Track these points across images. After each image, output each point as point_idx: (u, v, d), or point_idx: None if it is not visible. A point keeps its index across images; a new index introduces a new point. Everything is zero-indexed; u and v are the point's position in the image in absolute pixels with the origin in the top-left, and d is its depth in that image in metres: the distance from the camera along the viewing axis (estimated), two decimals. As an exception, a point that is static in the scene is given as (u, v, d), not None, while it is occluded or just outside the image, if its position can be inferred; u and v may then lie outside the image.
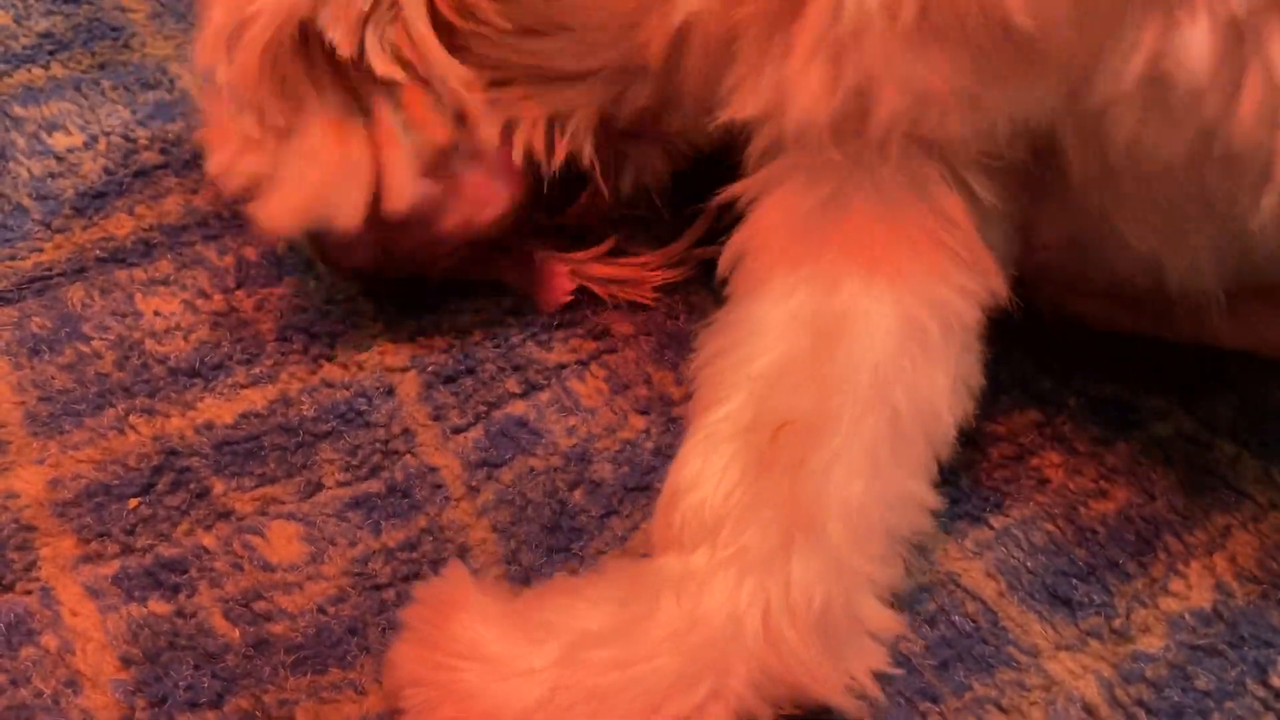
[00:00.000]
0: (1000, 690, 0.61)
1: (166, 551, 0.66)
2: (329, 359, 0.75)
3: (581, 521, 0.67)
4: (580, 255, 0.77)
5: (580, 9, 0.66)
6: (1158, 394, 0.72)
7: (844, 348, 0.59)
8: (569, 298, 0.76)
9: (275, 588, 0.64)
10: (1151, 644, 0.62)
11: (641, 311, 0.77)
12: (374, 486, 0.69)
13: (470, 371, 0.74)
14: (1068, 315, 0.72)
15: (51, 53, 0.95)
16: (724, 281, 0.65)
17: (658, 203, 0.76)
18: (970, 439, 0.68)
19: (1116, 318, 0.71)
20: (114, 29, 0.96)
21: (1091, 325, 0.72)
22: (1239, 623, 0.63)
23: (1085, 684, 0.61)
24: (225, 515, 0.67)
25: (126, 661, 0.62)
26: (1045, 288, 0.68)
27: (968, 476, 0.68)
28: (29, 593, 0.64)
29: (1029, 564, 0.65)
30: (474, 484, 0.69)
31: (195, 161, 0.85)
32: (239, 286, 0.78)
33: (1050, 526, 0.67)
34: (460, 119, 0.69)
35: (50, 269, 0.79)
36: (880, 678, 0.60)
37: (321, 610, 0.63)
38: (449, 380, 0.74)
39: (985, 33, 0.52)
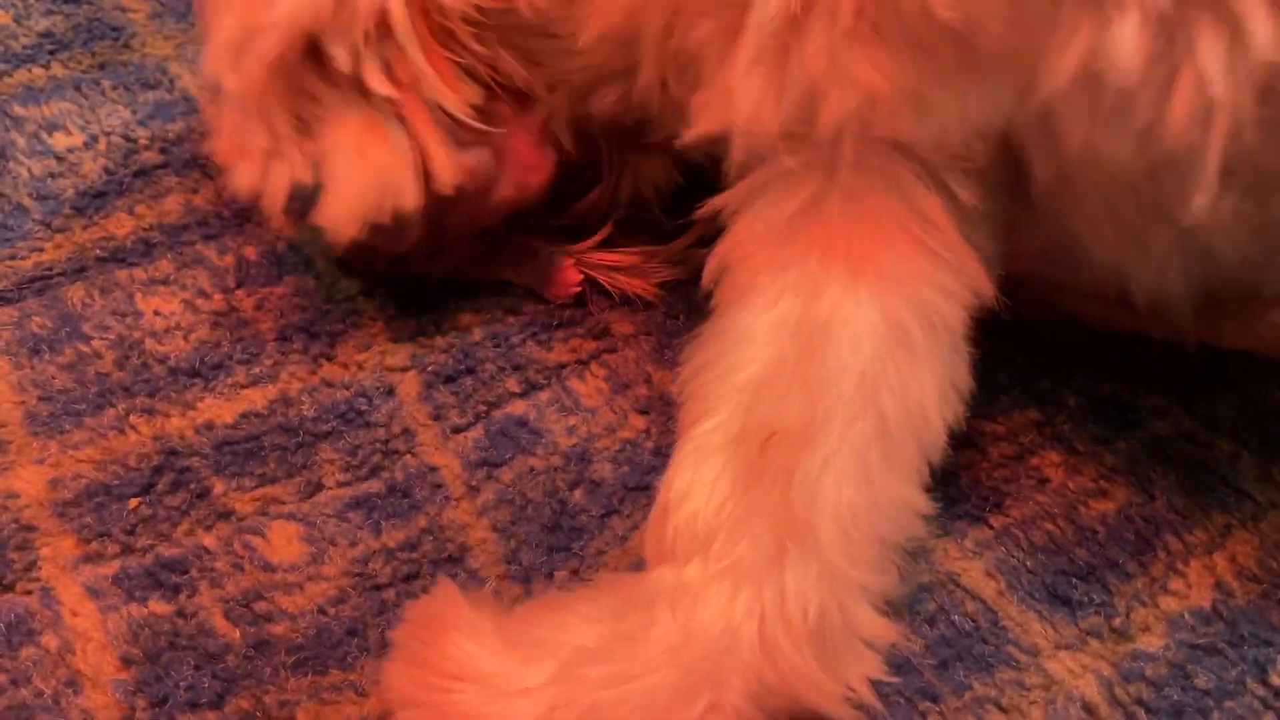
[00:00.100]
0: (1000, 690, 0.61)
1: (167, 551, 0.66)
2: (329, 359, 0.75)
3: (582, 521, 0.67)
4: (580, 245, 0.77)
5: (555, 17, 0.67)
6: (1157, 393, 0.72)
7: (829, 354, 0.59)
8: (577, 289, 0.76)
9: (276, 588, 0.64)
10: (1151, 643, 0.62)
11: (642, 311, 0.77)
12: (374, 486, 0.69)
13: (470, 371, 0.74)
14: (1062, 315, 0.72)
15: (52, 52, 0.95)
16: (709, 294, 0.65)
17: (657, 214, 0.77)
18: (970, 439, 0.69)
19: (1115, 317, 0.71)
20: (114, 29, 0.97)
21: (1091, 325, 0.72)
22: (1239, 622, 0.63)
23: (1085, 683, 0.61)
24: (225, 515, 0.67)
25: (127, 661, 0.62)
26: (1036, 288, 0.68)
27: (967, 476, 0.68)
28: (29, 593, 0.64)
29: (1029, 563, 0.65)
30: (474, 484, 0.69)
31: (195, 161, 0.86)
32: (239, 286, 0.78)
33: (1050, 526, 0.67)
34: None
35: (50, 269, 0.80)
36: (879, 679, 0.60)
37: (322, 611, 0.63)
38: (449, 380, 0.74)
39: (925, 31, 0.52)
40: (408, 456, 0.70)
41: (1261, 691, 0.61)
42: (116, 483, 0.69)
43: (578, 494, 0.69)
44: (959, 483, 0.68)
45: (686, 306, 0.77)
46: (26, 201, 0.84)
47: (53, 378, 0.74)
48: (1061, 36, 0.50)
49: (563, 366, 0.74)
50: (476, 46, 0.68)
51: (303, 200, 0.70)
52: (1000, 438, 0.70)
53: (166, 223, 0.82)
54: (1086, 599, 0.64)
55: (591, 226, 0.77)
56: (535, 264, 0.77)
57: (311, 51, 0.67)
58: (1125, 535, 0.66)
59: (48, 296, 0.78)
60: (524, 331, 0.76)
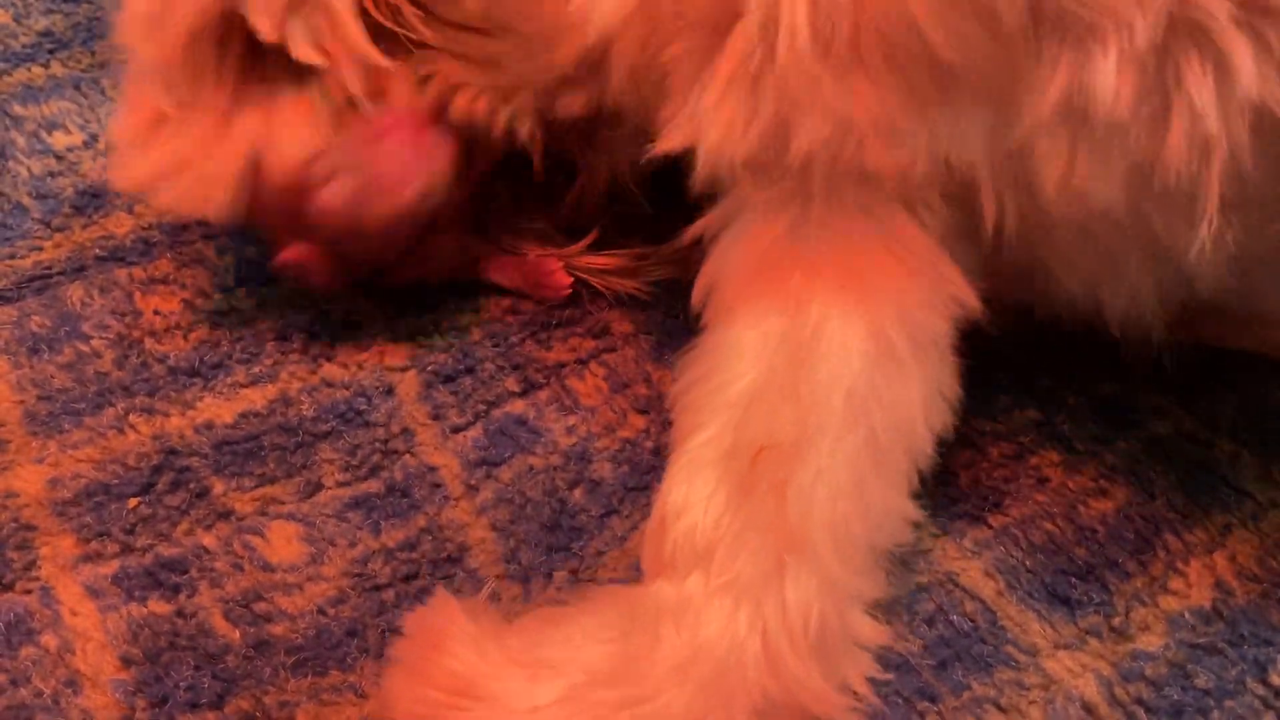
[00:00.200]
0: (999, 689, 0.61)
1: (166, 551, 0.66)
2: (329, 359, 0.75)
3: (581, 521, 0.67)
4: (570, 249, 0.77)
5: (515, 16, 0.66)
6: (1157, 393, 0.72)
7: (817, 369, 0.60)
8: (568, 291, 0.76)
9: (275, 588, 0.64)
10: (1151, 642, 0.62)
11: (641, 310, 0.77)
12: (373, 486, 0.69)
13: (469, 371, 0.74)
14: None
15: (51, 51, 0.95)
16: (699, 314, 0.65)
17: (638, 195, 0.75)
18: (969, 438, 0.69)
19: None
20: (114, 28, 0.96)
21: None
22: (1239, 621, 0.63)
23: (1084, 683, 0.61)
24: (225, 515, 0.67)
25: (126, 661, 0.62)
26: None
27: (967, 475, 0.68)
28: (29, 592, 0.64)
29: (1028, 563, 0.65)
30: (473, 483, 0.69)
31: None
32: (239, 285, 0.78)
33: (1049, 525, 0.67)
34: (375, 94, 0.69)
35: (50, 268, 0.80)
36: (878, 679, 0.60)
37: (321, 611, 0.63)
38: (448, 380, 0.74)
39: (909, 62, 0.52)
40: (407, 456, 0.70)
41: (1261, 691, 0.61)
42: (116, 482, 0.69)
43: (577, 493, 0.69)
44: (958, 482, 0.68)
45: (686, 306, 0.76)
46: (26, 200, 0.84)
47: (52, 377, 0.74)
48: (1042, 71, 0.50)
49: (562, 366, 0.74)
50: (424, 30, 0.67)
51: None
52: (1000, 437, 0.70)
53: (166, 222, 0.82)
54: (1086, 598, 0.64)
55: (583, 226, 0.77)
56: (522, 268, 0.77)
57: (224, 27, 0.67)
58: (1125, 534, 0.66)
59: (47, 295, 0.78)
60: (523, 331, 0.76)
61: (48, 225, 0.82)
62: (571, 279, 0.76)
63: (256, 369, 0.74)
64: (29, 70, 0.93)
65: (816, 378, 0.59)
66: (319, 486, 0.69)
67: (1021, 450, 0.70)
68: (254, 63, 0.68)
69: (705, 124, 0.56)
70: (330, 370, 0.74)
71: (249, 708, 0.60)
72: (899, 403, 0.60)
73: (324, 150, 0.69)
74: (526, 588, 0.65)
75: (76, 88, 0.91)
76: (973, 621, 0.63)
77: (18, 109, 0.90)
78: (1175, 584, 0.65)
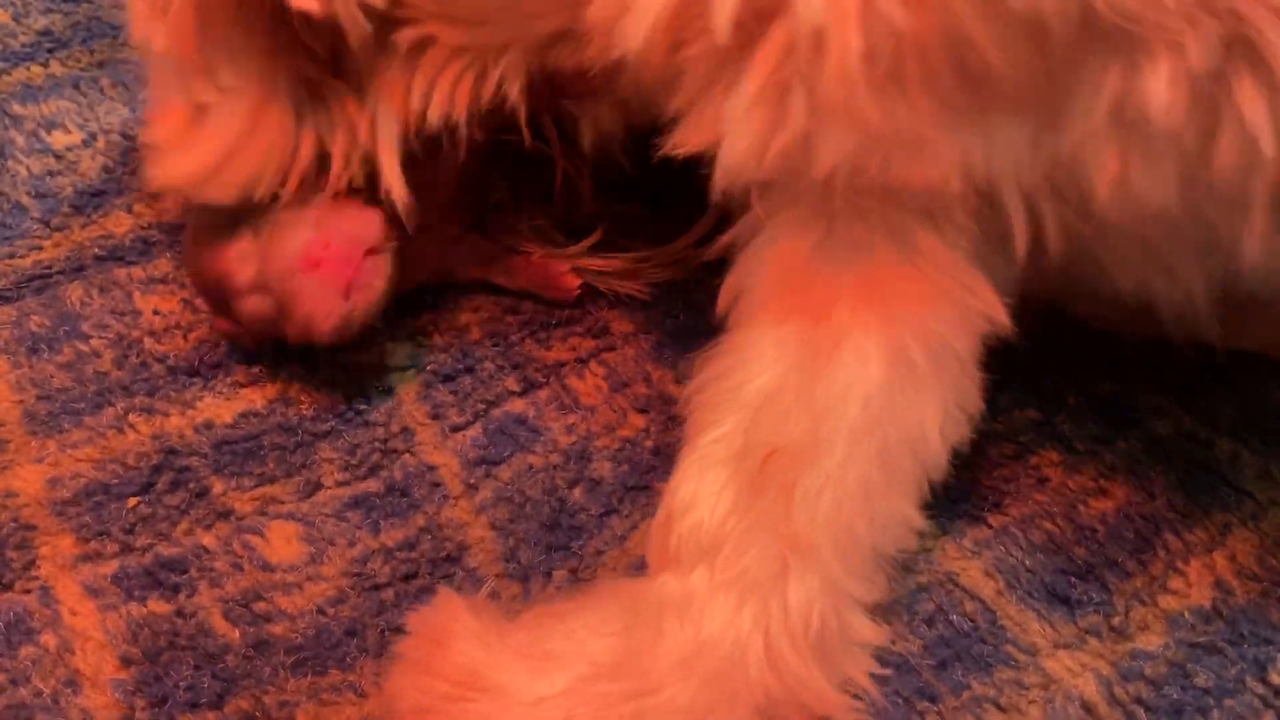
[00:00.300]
0: (999, 689, 0.61)
1: (166, 551, 0.66)
2: (329, 358, 0.74)
3: (581, 520, 0.67)
4: (573, 249, 0.77)
5: None
6: (1157, 393, 0.72)
7: (835, 377, 0.60)
8: (577, 293, 0.76)
9: (275, 588, 0.64)
10: (1151, 642, 0.62)
11: (640, 310, 0.77)
12: (373, 485, 0.69)
13: (469, 370, 0.74)
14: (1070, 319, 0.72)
15: (50, 51, 0.95)
16: (712, 301, 0.65)
17: (623, 161, 0.73)
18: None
19: (1124, 321, 0.71)
20: (113, 27, 0.96)
21: (1093, 325, 0.72)
22: (1238, 620, 0.63)
23: (1084, 682, 0.61)
24: (225, 515, 0.67)
25: (126, 661, 0.62)
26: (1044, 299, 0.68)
27: (966, 475, 0.68)
28: (28, 592, 0.64)
29: (1028, 562, 0.65)
30: (472, 482, 0.69)
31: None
32: (238, 285, 0.78)
33: (1049, 525, 0.67)
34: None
35: (49, 267, 0.79)
36: (877, 679, 0.60)
37: (321, 611, 0.63)
38: (448, 379, 0.74)
39: (946, 75, 0.51)
40: (406, 455, 0.70)
41: (1261, 690, 0.61)
42: (115, 482, 0.69)
43: (577, 492, 0.68)
44: (958, 482, 0.68)
45: (686, 305, 0.76)
46: (25, 200, 0.83)
47: (51, 377, 0.74)
48: (1089, 82, 0.50)
49: (561, 365, 0.74)
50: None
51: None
52: (999, 436, 0.70)
53: (165, 221, 0.82)
54: (1085, 598, 0.64)
55: (583, 223, 0.77)
56: (530, 269, 0.77)
57: None
58: (1124, 534, 0.66)
59: (46, 295, 0.78)
60: (523, 330, 0.76)
61: (47, 225, 0.82)
62: (580, 280, 0.76)
63: (256, 368, 0.74)
64: (28, 69, 0.93)
65: (833, 386, 0.59)
66: (318, 486, 0.69)
67: (1021, 450, 0.70)
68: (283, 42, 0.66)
69: (729, 131, 0.55)
70: (330, 370, 0.74)
71: (249, 707, 0.60)
72: (914, 415, 0.60)
73: (250, 257, 0.69)
74: (526, 586, 0.65)
75: (76, 87, 0.91)
76: (972, 621, 0.63)
77: (17, 108, 0.90)
78: (1175, 583, 0.65)
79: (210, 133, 0.68)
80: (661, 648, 0.57)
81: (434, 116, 0.67)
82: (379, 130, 0.67)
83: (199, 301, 0.77)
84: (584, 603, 0.60)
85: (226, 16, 0.65)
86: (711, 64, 0.55)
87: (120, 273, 0.79)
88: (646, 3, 0.54)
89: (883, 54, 0.50)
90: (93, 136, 0.87)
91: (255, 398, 0.73)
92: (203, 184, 0.68)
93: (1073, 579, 0.65)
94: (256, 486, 0.69)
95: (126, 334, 0.76)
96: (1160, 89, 0.49)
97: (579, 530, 0.67)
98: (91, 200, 0.83)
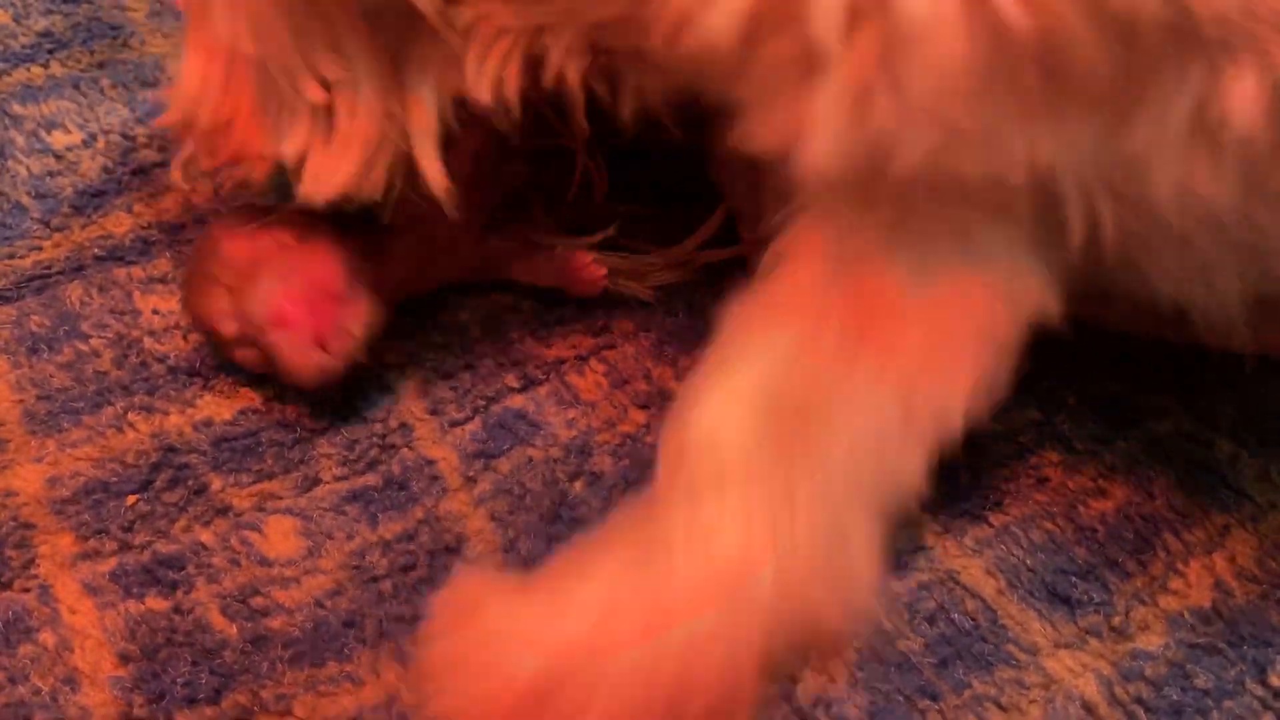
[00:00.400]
0: (999, 688, 0.61)
1: (164, 548, 0.66)
2: (328, 357, 0.74)
3: (582, 512, 0.67)
4: (588, 240, 0.76)
5: None
6: (1157, 393, 0.72)
7: (869, 339, 0.60)
8: (604, 283, 0.76)
9: (272, 583, 0.64)
10: (1151, 642, 0.62)
11: (641, 308, 0.77)
12: (371, 480, 0.69)
13: (469, 367, 0.74)
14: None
15: (51, 51, 0.95)
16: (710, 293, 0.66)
17: (670, 127, 0.69)
18: (969, 437, 0.68)
19: (1125, 322, 0.71)
20: (113, 28, 0.97)
21: (1092, 326, 0.72)
22: (1238, 621, 0.63)
23: (1084, 682, 0.61)
24: (223, 511, 0.67)
25: (124, 658, 0.62)
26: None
27: (967, 474, 0.68)
28: (27, 590, 0.64)
29: (1028, 562, 0.65)
30: (471, 474, 0.69)
31: (193, 159, 0.85)
32: (238, 284, 0.78)
33: (1050, 524, 0.67)
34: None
35: (49, 267, 0.79)
36: (879, 676, 0.60)
37: (319, 604, 0.63)
38: (447, 376, 0.74)
39: (1034, 73, 0.51)
40: (405, 450, 0.70)
41: (1260, 692, 0.61)
42: (114, 480, 0.69)
43: (578, 485, 0.68)
44: (959, 480, 0.68)
45: (686, 304, 0.77)
46: (25, 200, 0.83)
47: (51, 376, 0.74)
48: (1168, 84, 0.50)
49: (561, 362, 0.74)
50: None
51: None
52: (1000, 436, 0.70)
53: (165, 221, 0.82)
54: (1086, 597, 0.64)
55: (598, 214, 0.77)
56: (552, 263, 0.76)
57: None
58: (1125, 534, 0.66)
59: (46, 295, 0.78)
60: (523, 328, 0.76)
61: (47, 225, 0.82)
62: (606, 270, 0.76)
63: (256, 367, 0.74)
64: (28, 70, 0.93)
65: (865, 347, 0.60)
66: (316, 481, 0.69)
67: (1021, 450, 0.70)
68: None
69: (811, 128, 0.54)
70: (329, 368, 0.74)
71: (246, 702, 0.60)
72: (944, 390, 0.60)
73: (228, 314, 0.69)
74: (526, 577, 0.64)
75: (76, 87, 0.91)
76: (973, 620, 0.63)
77: (17, 108, 0.90)
78: (1175, 584, 0.65)
79: (344, 132, 0.65)
80: (674, 580, 0.57)
81: (485, 97, 0.63)
82: (420, 115, 0.65)
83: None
84: (598, 546, 0.60)
85: (309, 6, 0.61)
86: (795, 59, 0.54)
87: (120, 272, 0.79)
88: None
89: (985, 55, 0.50)
90: (93, 137, 0.88)
91: (254, 395, 0.72)
92: (359, 186, 0.66)
93: (1073, 578, 0.65)
94: (255, 483, 0.68)
95: (126, 334, 0.76)
96: (1243, 95, 0.49)
97: (580, 523, 0.67)
98: (91, 200, 0.83)
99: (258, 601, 0.63)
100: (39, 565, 0.65)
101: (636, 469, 0.69)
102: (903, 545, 0.66)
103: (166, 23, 0.97)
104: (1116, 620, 0.63)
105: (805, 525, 0.58)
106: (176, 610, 0.63)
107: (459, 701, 0.57)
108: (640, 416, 0.72)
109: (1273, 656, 0.62)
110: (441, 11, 0.61)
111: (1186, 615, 0.63)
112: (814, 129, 0.54)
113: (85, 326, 0.76)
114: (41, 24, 0.97)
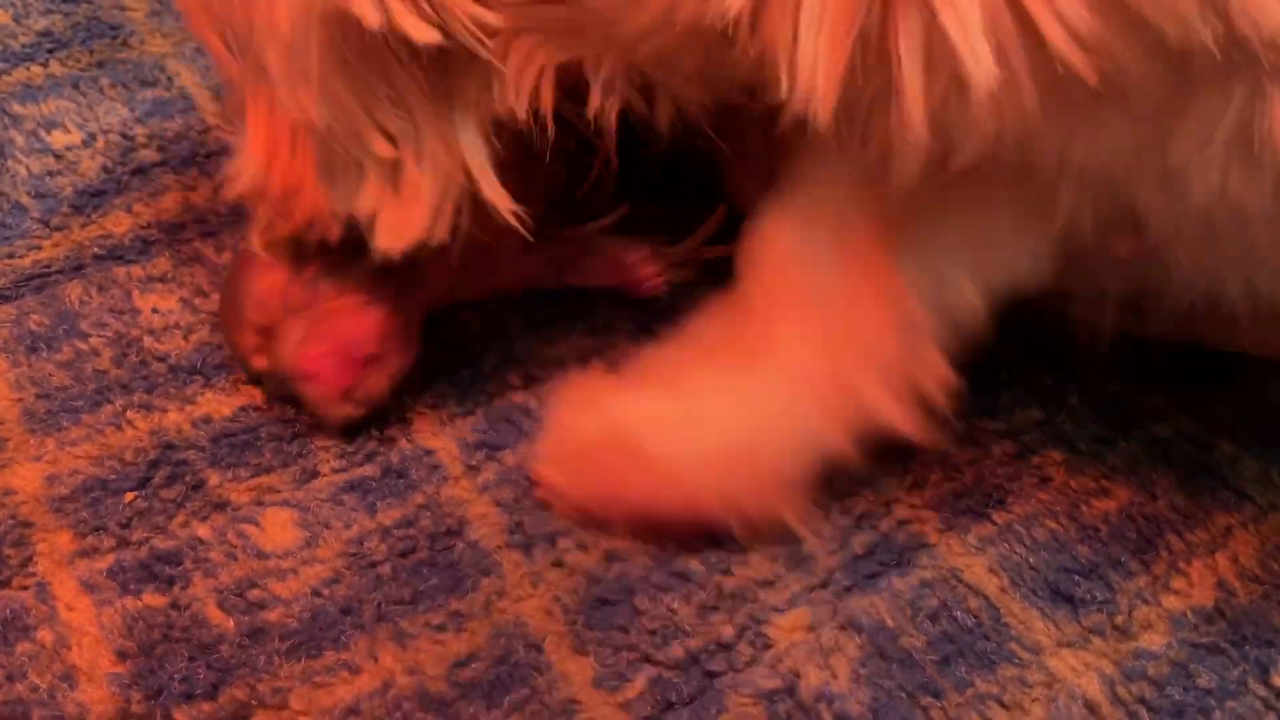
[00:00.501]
0: (1002, 687, 0.61)
1: (162, 544, 0.66)
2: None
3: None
4: (590, 226, 0.76)
5: None
6: (1158, 394, 0.72)
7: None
8: (663, 277, 0.76)
9: (269, 575, 0.64)
10: (1153, 641, 0.62)
11: (642, 307, 0.77)
12: (369, 470, 0.69)
13: (470, 365, 0.74)
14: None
15: (50, 51, 0.95)
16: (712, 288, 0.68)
17: (711, 135, 0.67)
18: (972, 436, 0.69)
19: (1126, 323, 0.71)
20: (113, 27, 0.97)
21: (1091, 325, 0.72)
22: (1241, 621, 0.63)
23: (1087, 681, 0.61)
24: (221, 506, 0.67)
25: (122, 655, 0.61)
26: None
27: (970, 473, 0.68)
28: (25, 588, 0.64)
29: (1031, 560, 0.65)
30: (473, 464, 0.69)
31: (193, 159, 0.86)
32: (237, 284, 0.78)
33: (1052, 523, 0.67)
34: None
35: (48, 266, 0.79)
36: (882, 673, 0.60)
37: (316, 593, 0.63)
38: (448, 373, 0.73)
39: (1079, 89, 0.51)
40: (403, 441, 0.70)
41: (1263, 692, 0.60)
42: (113, 477, 0.68)
43: (584, 482, 0.68)
44: (962, 478, 0.68)
45: (687, 304, 0.76)
46: (25, 200, 0.83)
47: (50, 375, 0.73)
48: (1212, 101, 0.50)
49: (564, 361, 0.74)
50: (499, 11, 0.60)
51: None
52: (1002, 435, 0.70)
53: (164, 220, 0.82)
54: (1089, 596, 0.64)
55: (603, 201, 0.76)
56: (608, 265, 0.76)
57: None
58: (1127, 534, 0.66)
59: (46, 294, 0.78)
60: (525, 327, 0.76)
61: (46, 224, 0.82)
62: (664, 268, 0.76)
63: (255, 366, 0.74)
64: (28, 70, 0.93)
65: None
66: (315, 474, 0.68)
67: (1024, 449, 0.70)
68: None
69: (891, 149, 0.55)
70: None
71: (243, 696, 0.60)
72: (1004, 255, 0.63)
73: (259, 351, 0.69)
74: (529, 555, 0.65)
75: (75, 87, 0.92)
76: (976, 618, 0.63)
77: (17, 108, 0.90)
78: (1178, 583, 0.65)
79: (413, 182, 0.63)
80: (760, 384, 0.64)
81: (521, 115, 0.62)
82: (472, 147, 0.63)
83: (199, 301, 0.77)
84: (690, 337, 0.68)
85: (367, 64, 0.59)
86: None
87: (119, 272, 0.79)
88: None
89: (1040, 87, 0.50)
90: (92, 136, 0.88)
91: (255, 393, 0.72)
92: (434, 234, 0.64)
93: (1076, 577, 0.64)
94: (253, 477, 0.68)
95: (125, 332, 0.75)
96: None
97: (588, 520, 0.67)
98: (91, 200, 0.83)
99: (255, 594, 0.63)
100: (37, 563, 0.65)
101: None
102: (905, 542, 0.66)
103: (166, 22, 0.97)
104: (1119, 619, 0.63)
105: (875, 332, 0.62)
106: (174, 605, 0.63)
107: (594, 489, 0.65)
108: (641, 414, 0.71)
109: (1275, 656, 0.62)
110: (483, 41, 0.59)
111: (1189, 615, 0.63)
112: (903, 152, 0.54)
113: (84, 325, 0.76)
114: (41, 24, 0.97)
